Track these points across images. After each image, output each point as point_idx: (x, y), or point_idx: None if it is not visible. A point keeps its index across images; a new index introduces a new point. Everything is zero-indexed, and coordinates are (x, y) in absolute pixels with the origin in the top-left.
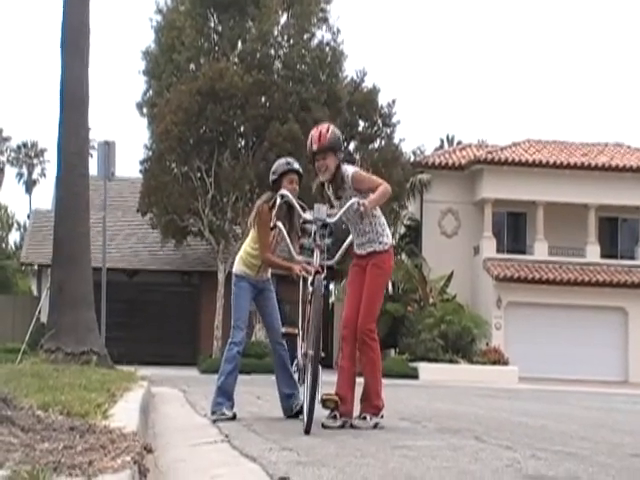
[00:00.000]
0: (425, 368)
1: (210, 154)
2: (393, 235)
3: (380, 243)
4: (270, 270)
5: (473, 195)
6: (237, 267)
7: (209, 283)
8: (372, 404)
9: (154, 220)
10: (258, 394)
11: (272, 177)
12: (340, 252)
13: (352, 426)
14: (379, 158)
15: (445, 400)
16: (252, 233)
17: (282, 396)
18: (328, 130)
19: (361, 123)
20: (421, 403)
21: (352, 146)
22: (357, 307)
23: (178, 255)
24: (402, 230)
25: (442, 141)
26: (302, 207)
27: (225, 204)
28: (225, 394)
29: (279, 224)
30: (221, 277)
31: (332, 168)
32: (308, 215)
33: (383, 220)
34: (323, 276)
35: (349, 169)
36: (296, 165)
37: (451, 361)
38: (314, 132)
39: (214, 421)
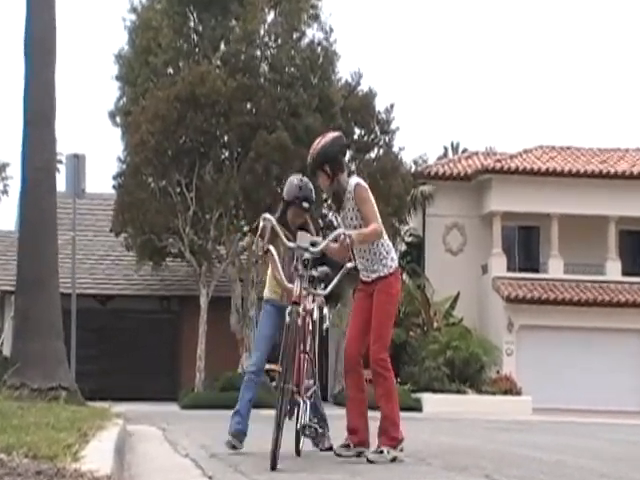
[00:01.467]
0: (429, 399)
1: (191, 167)
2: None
3: (384, 266)
4: None
5: (480, 208)
6: (265, 293)
7: (190, 308)
8: (390, 436)
9: (129, 240)
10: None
11: (285, 194)
12: (334, 282)
13: (368, 460)
14: (377, 168)
15: (451, 434)
16: None
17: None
18: (319, 144)
19: (357, 130)
20: (425, 437)
21: (348, 156)
22: (359, 335)
23: (156, 279)
24: (403, 247)
25: (446, 149)
26: (287, 237)
27: (208, 221)
28: (238, 415)
29: (271, 248)
30: (203, 302)
31: (326, 185)
32: (291, 244)
33: (387, 242)
34: (315, 305)
35: (353, 180)
36: (306, 204)
37: (458, 391)
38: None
39: (232, 446)
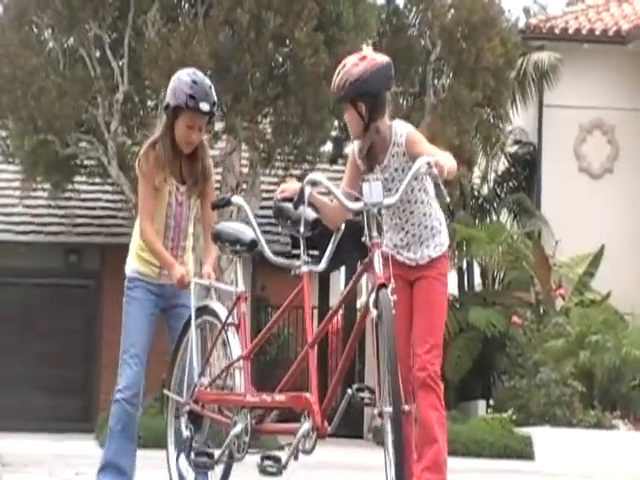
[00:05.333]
0: (547, 438)
1: (120, 13)
2: (485, 176)
3: (436, 246)
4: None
5: None
6: (128, 264)
7: (118, 268)
8: (442, 476)
9: (8, 144)
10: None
11: (168, 97)
12: (329, 252)
13: None
14: (456, 19)
15: None
16: None
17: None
18: (356, 66)
19: None
20: None
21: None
22: (407, 337)
23: (58, 214)
24: (501, 166)
25: None
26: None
27: (149, 112)
28: (113, 470)
29: (237, 200)
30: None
31: (357, 130)
32: (351, 204)
33: (439, 206)
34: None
35: (401, 126)
36: (206, 106)
37: (599, 424)
38: (339, 67)
39: None
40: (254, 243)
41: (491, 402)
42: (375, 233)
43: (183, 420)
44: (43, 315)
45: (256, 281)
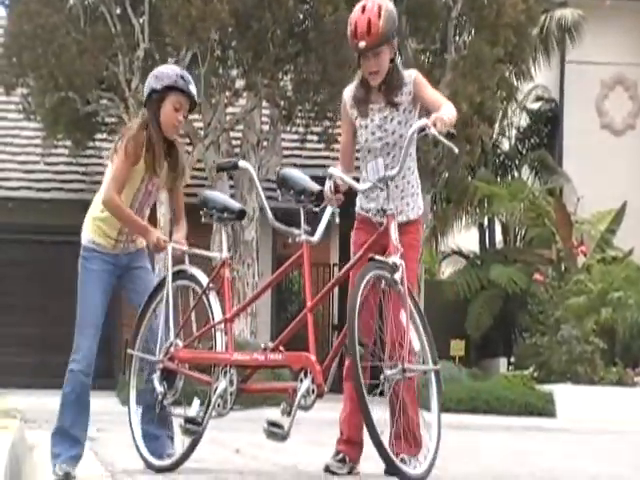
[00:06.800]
0: (569, 395)
1: None
2: (505, 130)
3: (414, 207)
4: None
5: None
6: (85, 234)
7: None
8: (416, 441)
9: (28, 102)
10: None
11: (153, 84)
12: (323, 224)
13: (390, 472)
14: None
15: (616, 462)
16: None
17: (149, 436)
18: (380, 13)
19: None
20: (567, 465)
21: None
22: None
23: (77, 170)
24: (523, 121)
25: None
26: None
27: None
28: (66, 437)
29: (244, 165)
30: (163, 213)
31: (386, 66)
32: (361, 186)
33: (416, 167)
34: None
35: (410, 70)
36: (193, 88)
37: (620, 382)
38: (359, 17)
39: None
40: (242, 212)
41: (512, 359)
42: (391, 205)
43: (156, 377)
44: (64, 272)
45: (276, 239)
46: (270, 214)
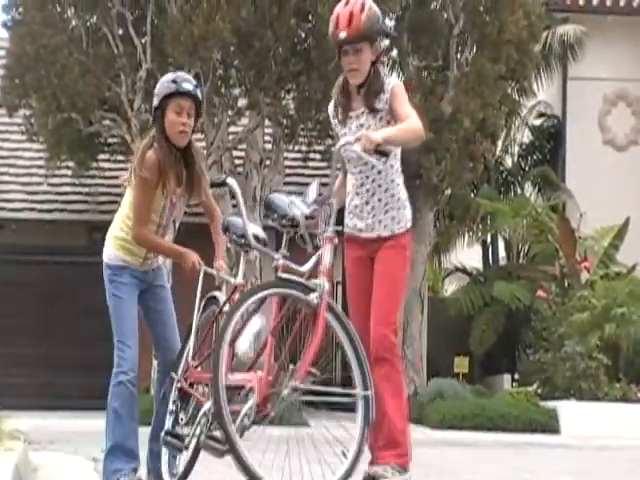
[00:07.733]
0: (572, 412)
1: None
2: (507, 147)
3: (402, 219)
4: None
5: None
6: (110, 252)
7: None
8: (401, 449)
9: (31, 123)
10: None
11: (154, 103)
12: (312, 196)
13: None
14: None
15: (620, 479)
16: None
17: (152, 454)
18: (363, 7)
19: None
20: None
21: None
22: (367, 315)
23: (82, 192)
24: (525, 138)
25: None
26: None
27: None
28: (122, 453)
29: (231, 182)
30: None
31: (366, 67)
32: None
33: (402, 180)
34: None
35: (391, 78)
36: (188, 85)
37: (625, 397)
38: (341, 9)
39: None
40: (257, 238)
41: (516, 376)
42: (330, 227)
43: (172, 395)
44: (68, 293)
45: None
46: (250, 232)
